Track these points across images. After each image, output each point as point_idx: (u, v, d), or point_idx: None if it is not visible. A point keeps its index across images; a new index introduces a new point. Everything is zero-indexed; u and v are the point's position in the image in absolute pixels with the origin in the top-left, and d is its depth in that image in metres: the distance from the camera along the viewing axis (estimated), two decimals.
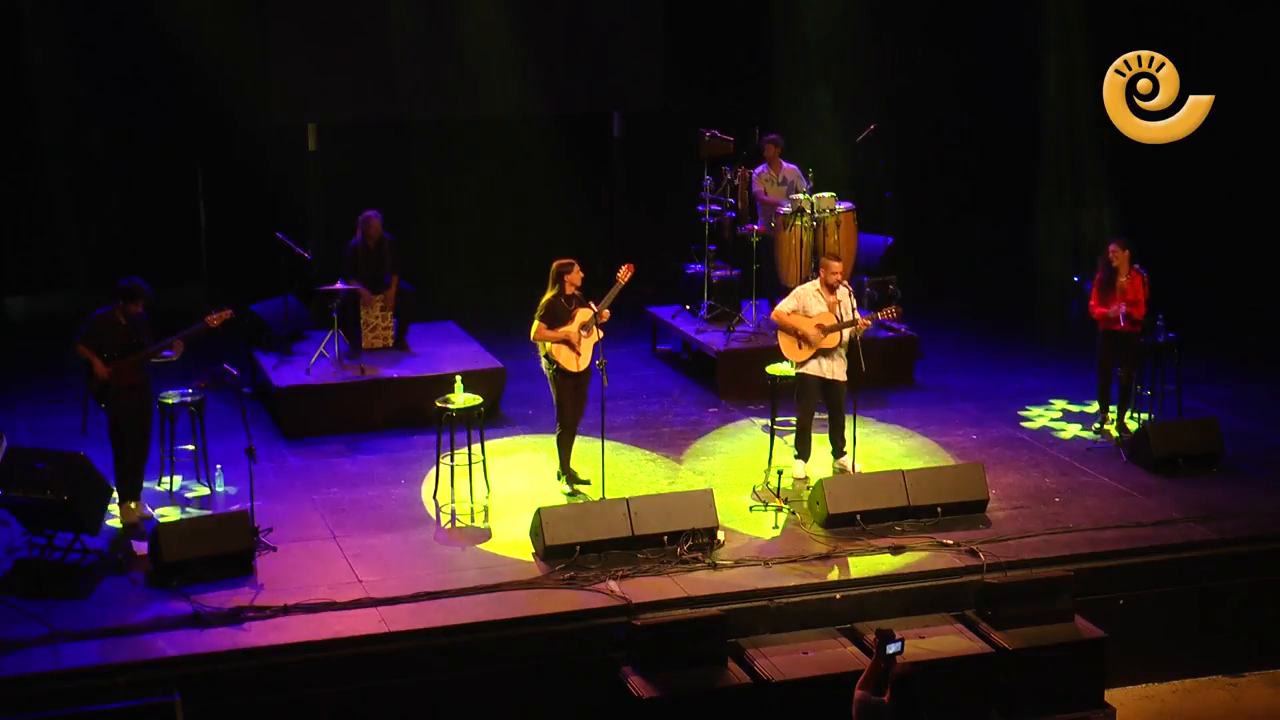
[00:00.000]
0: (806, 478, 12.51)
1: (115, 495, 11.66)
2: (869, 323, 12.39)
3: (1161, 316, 13.52)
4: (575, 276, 12.08)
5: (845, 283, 12.56)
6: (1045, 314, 17.61)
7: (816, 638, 10.68)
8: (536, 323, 12.07)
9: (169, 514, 11.92)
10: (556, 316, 12.04)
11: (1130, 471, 12.85)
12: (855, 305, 12.52)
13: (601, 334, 12.13)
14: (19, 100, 16.46)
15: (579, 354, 12.07)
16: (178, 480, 12.51)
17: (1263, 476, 12.77)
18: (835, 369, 12.38)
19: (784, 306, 12.50)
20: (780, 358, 13.08)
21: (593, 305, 12.09)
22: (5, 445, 11.55)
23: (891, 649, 9.23)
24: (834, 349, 12.33)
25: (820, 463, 12.76)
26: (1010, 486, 12.55)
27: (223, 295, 14.38)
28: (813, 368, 12.39)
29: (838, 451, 12.66)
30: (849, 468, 12.55)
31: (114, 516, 11.71)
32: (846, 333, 12.30)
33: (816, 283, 12.49)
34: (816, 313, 12.33)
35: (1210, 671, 11.66)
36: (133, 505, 11.72)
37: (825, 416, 12.75)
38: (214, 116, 16.70)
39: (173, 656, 9.83)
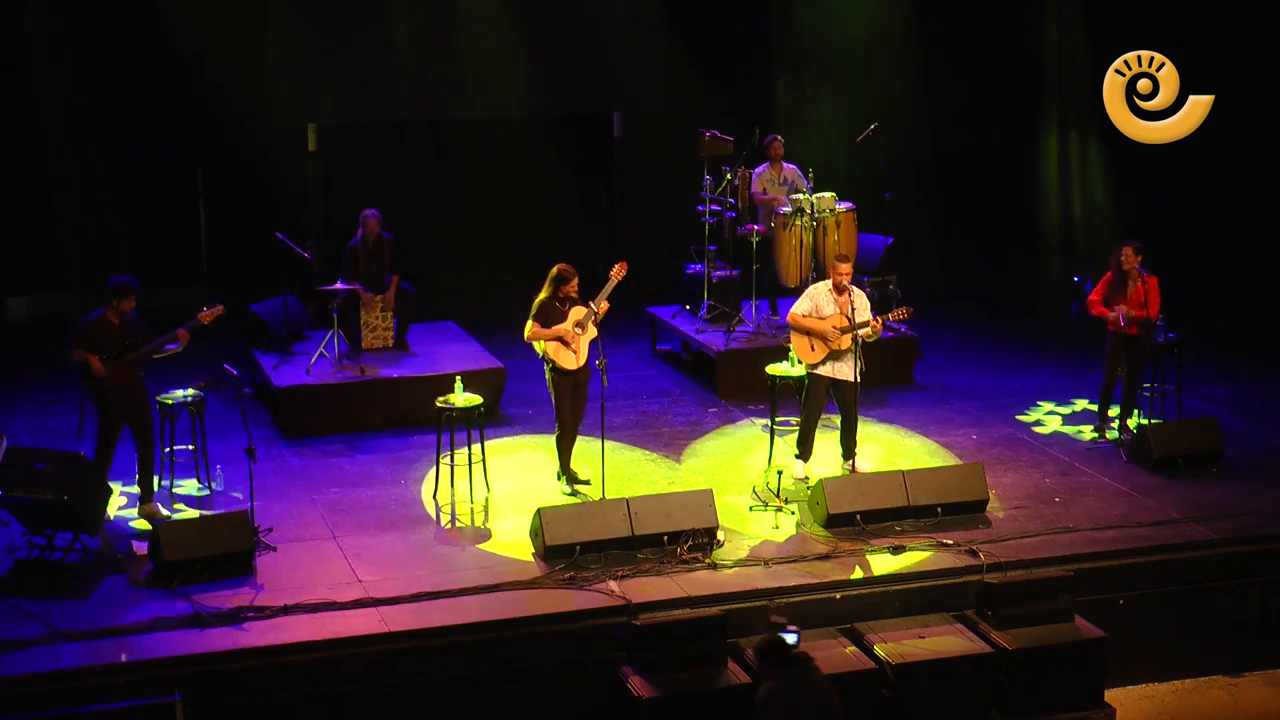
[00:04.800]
0: (807, 478, 12.50)
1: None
2: (880, 325, 12.34)
3: (1162, 316, 13.52)
4: (571, 287, 12.08)
5: (853, 284, 12.53)
6: (1045, 314, 17.62)
7: (816, 638, 10.66)
8: (530, 323, 12.08)
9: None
10: (549, 317, 12.05)
11: (1130, 471, 12.85)
12: (869, 304, 12.50)
13: (596, 333, 12.14)
14: (20, 100, 16.46)
15: (575, 352, 12.07)
16: (178, 480, 12.51)
17: (1263, 476, 12.76)
18: (844, 369, 12.37)
19: (798, 308, 12.47)
20: (780, 358, 13.08)
21: (591, 304, 12.10)
22: (5, 445, 11.55)
23: (788, 637, 9.04)
24: (846, 350, 12.31)
25: (822, 463, 12.75)
26: (1010, 486, 12.56)
27: (223, 295, 14.37)
28: (825, 369, 12.38)
29: (848, 454, 12.64)
30: (859, 470, 12.53)
31: (125, 520, 11.76)
32: (861, 333, 12.29)
33: (828, 283, 12.48)
34: (829, 314, 12.32)
35: (1210, 671, 11.65)
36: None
37: (830, 418, 12.76)
38: (214, 116, 16.71)
39: (173, 656, 9.82)
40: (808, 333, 12.37)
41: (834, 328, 12.24)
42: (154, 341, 11.60)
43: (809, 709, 8.76)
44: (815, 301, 12.40)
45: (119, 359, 11.49)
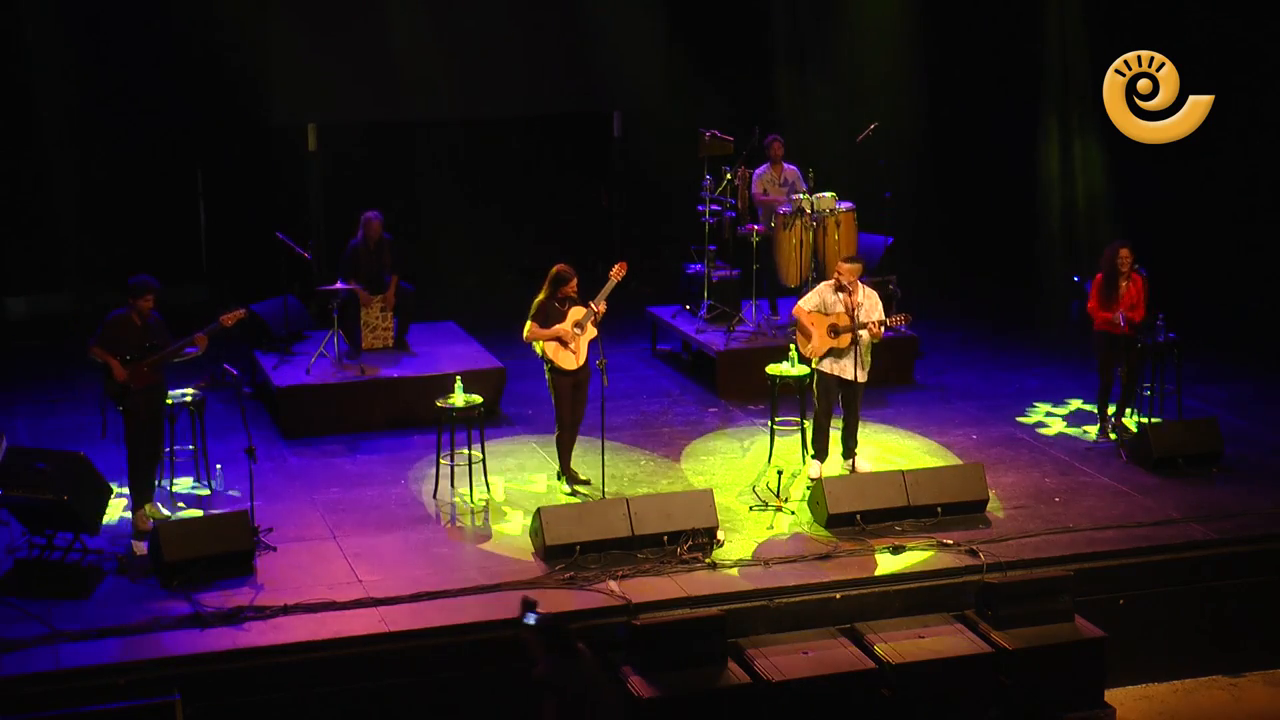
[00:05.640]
0: (822, 478, 12.41)
1: (129, 500, 11.66)
2: (879, 329, 12.31)
3: (1161, 317, 13.52)
4: (570, 288, 12.09)
5: (862, 286, 12.49)
6: (1045, 314, 17.62)
7: (816, 638, 10.68)
8: (529, 323, 12.08)
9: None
10: (548, 317, 12.06)
11: (1130, 471, 12.84)
12: (880, 307, 12.43)
13: (596, 332, 12.14)
14: (19, 101, 16.46)
15: (574, 352, 12.08)
16: (178, 480, 12.51)
17: (1263, 476, 12.76)
18: (846, 367, 12.35)
19: (805, 303, 12.50)
20: (780, 358, 13.08)
21: (590, 305, 12.10)
22: (5, 445, 11.55)
23: (529, 620, 8.82)
24: (846, 349, 12.30)
25: (827, 463, 12.73)
26: (1010, 486, 12.55)
27: (223, 295, 14.39)
28: (828, 366, 12.37)
29: (848, 453, 12.64)
30: (859, 469, 12.52)
31: (125, 520, 11.73)
32: (863, 335, 12.27)
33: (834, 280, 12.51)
34: (834, 312, 12.32)
35: (1210, 671, 11.65)
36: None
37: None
38: (214, 116, 16.71)
39: (173, 656, 9.83)
40: (807, 327, 12.37)
41: (829, 327, 12.25)
42: (173, 344, 11.57)
43: (586, 686, 8.77)
44: (823, 298, 12.41)
45: (140, 360, 11.44)
